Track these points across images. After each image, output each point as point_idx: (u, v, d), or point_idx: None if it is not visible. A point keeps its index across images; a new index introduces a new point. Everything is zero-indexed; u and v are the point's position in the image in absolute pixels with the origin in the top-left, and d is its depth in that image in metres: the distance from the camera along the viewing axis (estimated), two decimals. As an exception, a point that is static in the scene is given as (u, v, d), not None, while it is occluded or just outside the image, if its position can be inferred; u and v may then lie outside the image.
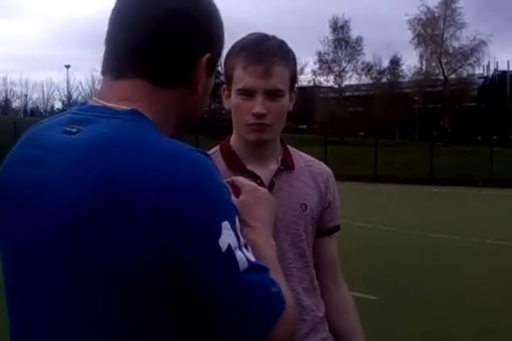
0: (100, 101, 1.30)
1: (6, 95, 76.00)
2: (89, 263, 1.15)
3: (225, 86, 2.11)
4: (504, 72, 61.32)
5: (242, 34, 2.10)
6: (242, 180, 1.48)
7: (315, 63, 58.45)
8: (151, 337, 1.18)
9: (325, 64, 58.09)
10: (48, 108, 76.82)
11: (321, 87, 59.84)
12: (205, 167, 1.19)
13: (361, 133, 55.53)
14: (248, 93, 2.02)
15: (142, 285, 1.14)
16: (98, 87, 1.46)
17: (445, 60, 55.45)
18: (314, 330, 2.17)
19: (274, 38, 2.08)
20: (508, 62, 62.95)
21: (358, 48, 57.90)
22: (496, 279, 9.47)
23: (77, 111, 1.32)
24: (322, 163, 2.28)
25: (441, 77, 55.71)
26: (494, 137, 37.42)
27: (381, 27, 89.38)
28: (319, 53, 58.08)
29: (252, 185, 1.48)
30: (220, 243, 1.14)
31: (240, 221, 1.21)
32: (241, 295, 1.15)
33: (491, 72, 62.41)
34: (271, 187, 2.09)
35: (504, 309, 7.68)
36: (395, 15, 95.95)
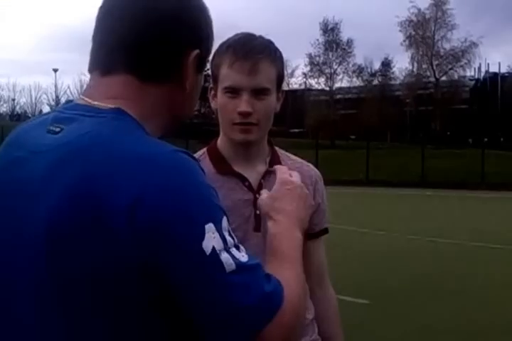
0: (86, 99, 1.29)
1: (-6, 100, 75.85)
2: (68, 268, 1.13)
3: (211, 85, 2.09)
4: (495, 74, 61.60)
5: (231, 35, 2.10)
6: (279, 170, 1.57)
7: (306, 66, 58.87)
8: None
9: (316, 66, 58.40)
10: (36, 112, 76.45)
11: (312, 89, 60.04)
12: (187, 168, 1.17)
13: (352, 137, 55.70)
14: (234, 91, 2.01)
15: (123, 291, 1.13)
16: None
17: (436, 62, 55.82)
18: (303, 333, 2.15)
19: (261, 37, 2.08)
20: (500, 64, 63.29)
21: (349, 50, 58.45)
22: (490, 283, 9.46)
23: (62, 110, 1.30)
24: (310, 165, 2.27)
25: (433, 79, 56.01)
26: (485, 139, 37.56)
27: (372, 29, 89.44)
28: (310, 56, 58.46)
29: (284, 178, 1.54)
30: (203, 246, 1.12)
31: (264, 214, 1.34)
32: (229, 297, 1.13)
33: (482, 74, 62.80)
34: (259, 189, 2.07)
35: (494, 313, 7.67)
36: (385, 17, 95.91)
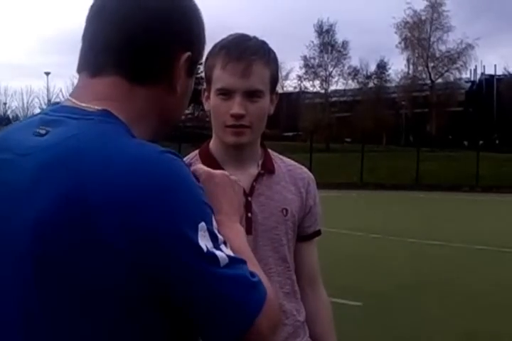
0: (73, 100, 1.27)
1: (-16, 104, 75.29)
2: (56, 270, 1.12)
3: (205, 87, 2.09)
4: (491, 76, 61.66)
5: (224, 36, 2.09)
6: (198, 169, 1.37)
7: (301, 68, 58.64)
8: None
9: (311, 69, 58.18)
10: (28, 116, 76.03)
11: (307, 92, 59.93)
12: (175, 168, 1.17)
13: (347, 140, 55.66)
14: (227, 93, 2.00)
15: (116, 295, 1.12)
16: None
17: (432, 64, 55.75)
18: (294, 335, 2.15)
19: (255, 38, 2.07)
20: (495, 66, 63.57)
21: (344, 52, 58.06)
22: (484, 287, 9.47)
23: (49, 112, 1.29)
24: (303, 167, 2.26)
25: (428, 82, 55.97)
26: (481, 142, 37.60)
27: (367, 31, 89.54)
28: (305, 58, 58.22)
29: (206, 172, 1.37)
30: (200, 244, 1.12)
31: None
32: (226, 289, 1.13)
33: (478, 77, 62.80)
34: (251, 192, 2.07)
35: (485, 317, 7.67)
36: (381, 18, 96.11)
